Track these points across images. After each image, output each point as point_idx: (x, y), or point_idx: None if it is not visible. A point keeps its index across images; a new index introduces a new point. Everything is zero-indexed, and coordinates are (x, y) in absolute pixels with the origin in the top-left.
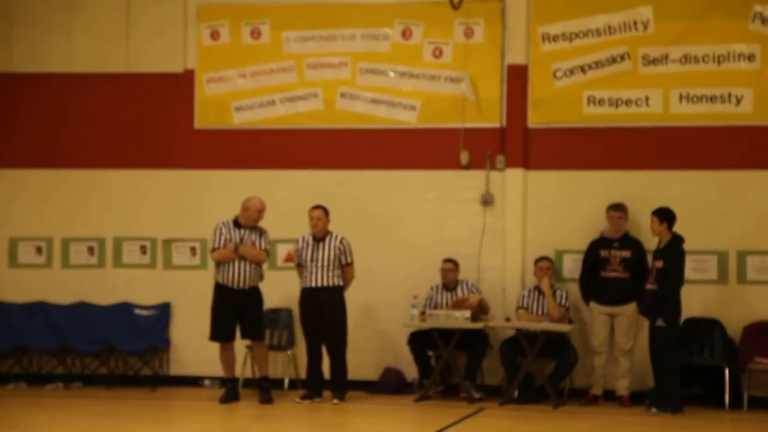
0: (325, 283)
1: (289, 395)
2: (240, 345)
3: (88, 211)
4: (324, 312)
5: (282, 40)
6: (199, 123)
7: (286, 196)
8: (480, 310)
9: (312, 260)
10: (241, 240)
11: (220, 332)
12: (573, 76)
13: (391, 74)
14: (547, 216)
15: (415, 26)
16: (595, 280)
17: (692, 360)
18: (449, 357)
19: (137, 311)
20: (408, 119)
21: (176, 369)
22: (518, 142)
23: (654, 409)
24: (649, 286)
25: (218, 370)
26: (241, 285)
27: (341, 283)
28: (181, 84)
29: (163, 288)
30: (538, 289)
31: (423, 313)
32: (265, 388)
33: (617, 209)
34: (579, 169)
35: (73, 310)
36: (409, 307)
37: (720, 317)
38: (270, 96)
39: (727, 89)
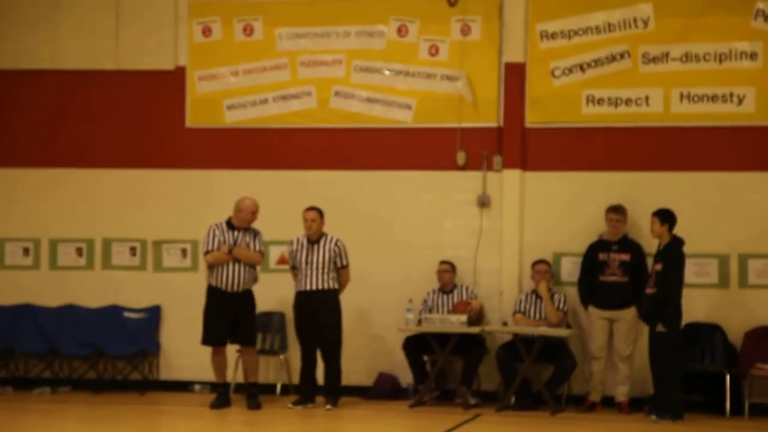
0: (320, 286)
1: (282, 401)
2: (231, 349)
3: (77, 211)
4: (319, 316)
5: (275, 37)
6: (190, 122)
7: (279, 197)
8: (477, 316)
9: (306, 263)
10: (235, 242)
11: (213, 336)
12: (572, 75)
13: (387, 72)
14: (545, 218)
15: (411, 23)
16: (594, 284)
17: (692, 366)
18: (445, 362)
19: (126, 314)
20: (403, 118)
21: (166, 373)
22: (516, 143)
23: (654, 416)
24: (648, 290)
25: (209, 375)
26: (235, 288)
27: (336, 286)
28: (172, 82)
29: (153, 290)
30: (535, 292)
31: (419, 320)
32: (253, 394)
33: (616, 211)
34: (578, 170)
35: (61, 312)
36: (404, 311)
37: (721, 322)
38: (263, 94)
39: (728, 88)
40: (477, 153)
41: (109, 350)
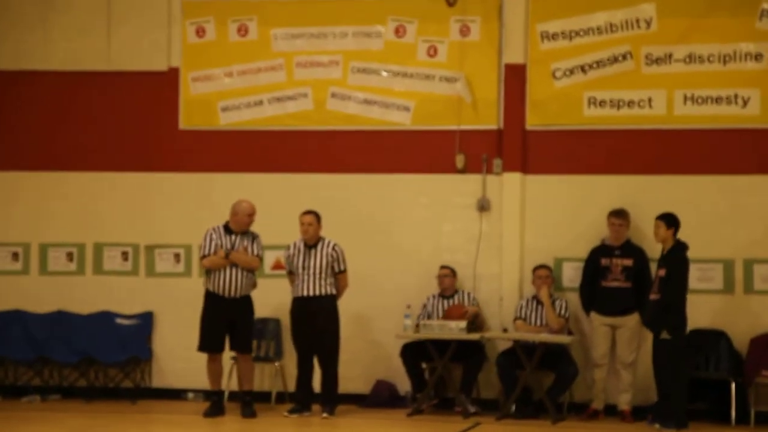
0: (317, 292)
1: (277, 409)
2: (226, 357)
3: (68, 215)
4: (316, 322)
5: (270, 37)
6: (184, 124)
7: (275, 200)
8: (473, 322)
9: (303, 268)
10: (233, 246)
11: (210, 343)
12: (573, 76)
13: (384, 74)
14: (546, 222)
15: (409, 24)
16: (596, 290)
17: (697, 373)
18: (444, 369)
19: (118, 320)
20: (401, 120)
21: (159, 381)
22: (516, 145)
23: (657, 425)
24: (652, 296)
25: (202, 383)
26: (233, 293)
27: (334, 292)
28: (165, 83)
29: (145, 296)
30: (536, 298)
31: (417, 325)
32: (248, 402)
33: (619, 216)
34: (579, 174)
35: (50, 319)
36: (401, 317)
37: (726, 329)
38: (258, 96)
39: (733, 90)
40: (476, 156)
41: (101, 357)
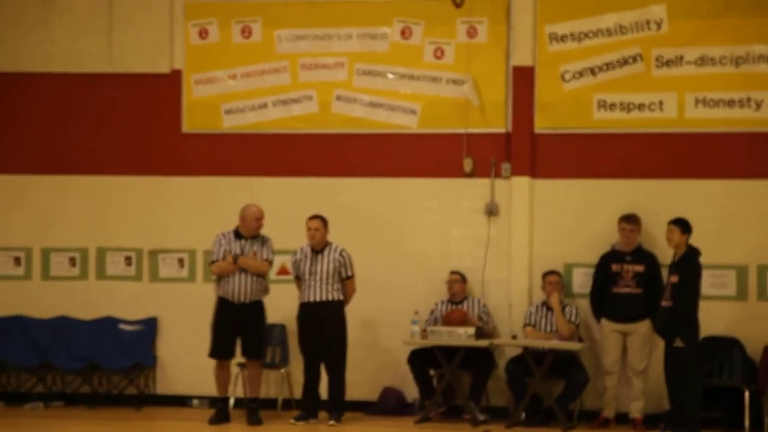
0: (324, 298)
1: (283, 416)
2: (232, 363)
3: (70, 219)
4: (323, 328)
5: (274, 39)
6: (186, 127)
7: (280, 205)
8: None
9: (310, 273)
10: (242, 251)
11: (221, 349)
12: (582, 79)
13: (390, 76)
14: (555, 227)
15: (416, 25)
16: (607, 296)
17: (710, 381)
18: (452, 376)
19: (122, 326)
20: (408, 124)
21: (163, 388)
22: (525, 149)
23: None
24: (664, 303)
25: (207, 389)
26: (242, 299)
27: (341, 298)
28: (168, 85)
29: (149, 302)
30: (546, 305)
31: (424, 331)
32: (254, 409)
33: (630, 221)
34: (589, 178)
35: (53, 324)
36: (409, 323)
37: (739, 336)
38: (262, 98)
39: (746, 93)
40: (484, 160)
41: (104, 363)
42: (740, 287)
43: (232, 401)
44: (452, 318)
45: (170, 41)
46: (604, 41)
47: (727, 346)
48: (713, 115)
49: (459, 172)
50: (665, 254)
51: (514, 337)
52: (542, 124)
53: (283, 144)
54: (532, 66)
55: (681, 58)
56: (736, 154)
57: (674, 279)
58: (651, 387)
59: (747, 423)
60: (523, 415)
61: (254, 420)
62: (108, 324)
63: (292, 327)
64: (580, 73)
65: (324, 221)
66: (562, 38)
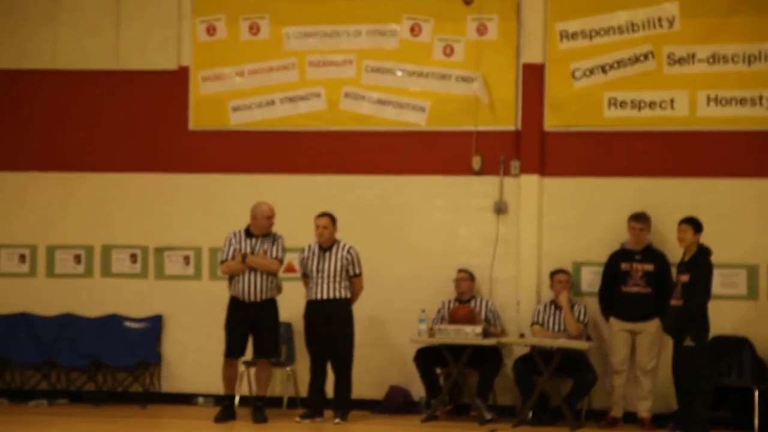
0: (331, 296)
1: (289, 414)
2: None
3: (75, 216)
4: (330, 326)
5: (282, 36)
6: (193, 124)
7: (288, 202)
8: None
9: (318, 271)
10: (253, 250)
11: (233, 348)
12: (593, 77)
13: (399, 73)
14: (564, 226)
15: (425, 22)
16: (616, 295)
17: (720, 381)
18: (459, 375)
19: (127, 324)
20: (417, 121)
21: (168, 385)
22: (534, 147)
23: None
24: (673, 302)
25: (213, 387)
26: (253, 298)
27: (349, 296)
28: (175, 82)
29: (154, 299)
30: (554, 303)
31: (431, 329)
32: (259, 407)
33: (639, 220)
34: (599, 176)
35: (58, 322)
36: (416, 321)
37: (749, 335)
38: (269, 95)
39: (758, 91)
40: (493, 157)
41: (109, 361)
42: (750, 286)
43: (237, 399)
44: (459, 314)
45: (178, 38)
46: (615, 39)
47: (736, 346)
48: (725, 113)
49: (468, 170)
50: (675, 253)
51: (522, 335)
52: (552, 121)
53: (290, 141)
54: (543, 63)
55: (693, 56)
56: (748, 153)
57: (685, 278)
58: (660, 386)
59: (756, 423)
60: (531, 414)
61: (260, 418)
62: (113, 321)
63: (298, 325)
64: (591, 71)
65: (332, 219)
66: (573, 36)
